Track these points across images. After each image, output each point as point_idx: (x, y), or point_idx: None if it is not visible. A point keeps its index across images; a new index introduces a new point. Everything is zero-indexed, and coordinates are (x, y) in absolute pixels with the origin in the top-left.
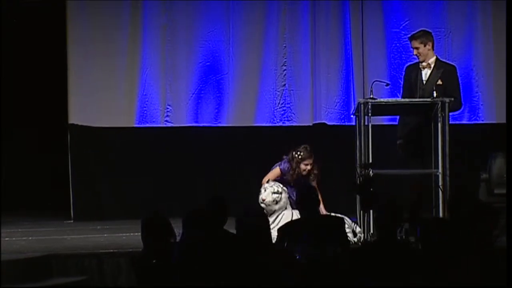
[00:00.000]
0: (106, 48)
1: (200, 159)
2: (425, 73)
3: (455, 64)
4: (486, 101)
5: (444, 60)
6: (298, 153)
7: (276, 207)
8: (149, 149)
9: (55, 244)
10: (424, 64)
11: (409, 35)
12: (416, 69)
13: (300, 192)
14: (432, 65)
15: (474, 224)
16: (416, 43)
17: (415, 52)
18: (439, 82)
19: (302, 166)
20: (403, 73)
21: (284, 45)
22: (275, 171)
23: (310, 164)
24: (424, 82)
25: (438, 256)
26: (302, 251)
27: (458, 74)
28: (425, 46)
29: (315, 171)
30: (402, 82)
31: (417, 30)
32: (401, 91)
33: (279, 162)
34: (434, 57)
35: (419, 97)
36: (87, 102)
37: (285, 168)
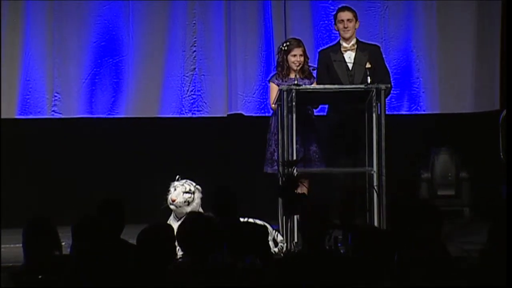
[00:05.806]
0: None
1: (94, 156)
2: (349, 56)
3: (378, 44)
4: (428, 88)
5: (364, 41)
6: (284, 44)
7: (188, 209)
8: (33, 144)
9: None
10: (346, 45)
11: (339, 6)
12: (336, 52)
13: (215, 193)
14: (355, 47)
15: (414, 231)
16: (349, 14)
17: (344, 25)
18: (368, 65)
19: (291, 59)
20: (318, 59)
21: (194, 21)
22: (272, 87)
23: (300, 55)
24: (350, 66)
25: (372, 267)
26: (214, 262)
27: (394, 56)
28: (356, 21)
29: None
30: (317, 70)
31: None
32: (316, 79)
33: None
34: (355, 39)
35: (350, 84)
36: None
37: (275, 77)
